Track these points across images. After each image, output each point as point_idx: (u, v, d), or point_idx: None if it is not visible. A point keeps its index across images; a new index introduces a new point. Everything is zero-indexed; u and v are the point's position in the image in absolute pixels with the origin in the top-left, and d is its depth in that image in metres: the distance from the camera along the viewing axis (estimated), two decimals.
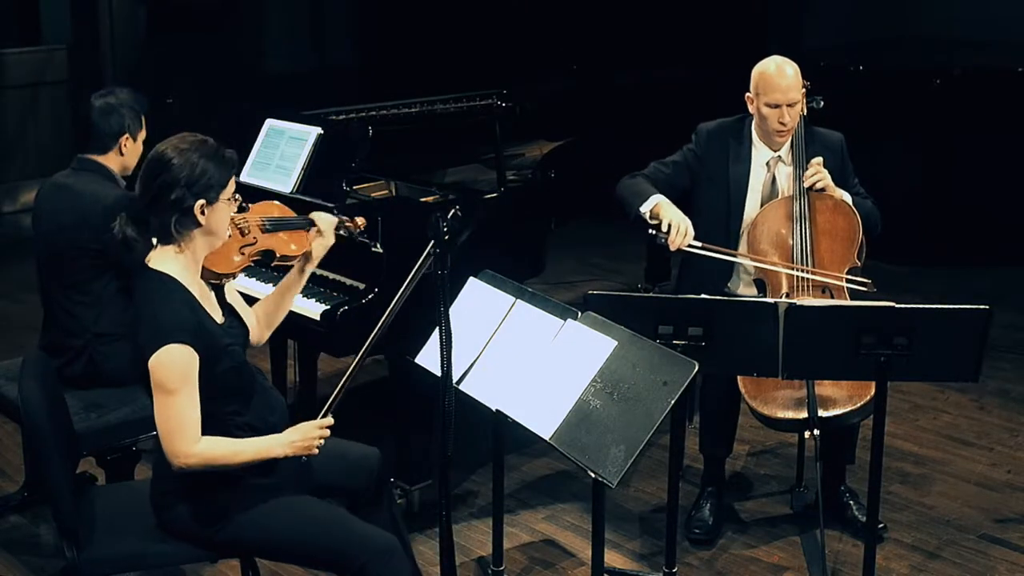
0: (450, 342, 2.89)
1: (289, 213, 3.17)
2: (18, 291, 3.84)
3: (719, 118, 4.05)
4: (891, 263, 6.23)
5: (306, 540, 2.82)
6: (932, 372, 3.41)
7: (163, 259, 2.76)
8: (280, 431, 2.87)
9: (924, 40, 7.83)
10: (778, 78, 3.77)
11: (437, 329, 2.92)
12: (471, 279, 3.46)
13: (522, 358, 3.15)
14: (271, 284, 3.85)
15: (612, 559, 3.72)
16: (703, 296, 3.31)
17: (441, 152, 4.98)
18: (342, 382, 2.90)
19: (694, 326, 3.20)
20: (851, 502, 3.94)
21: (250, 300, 3.22)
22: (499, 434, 3.40)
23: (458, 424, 2.92)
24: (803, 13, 8.47)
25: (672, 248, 3.70)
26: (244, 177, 4.39)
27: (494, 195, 4.44)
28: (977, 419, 4.88)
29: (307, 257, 3.13)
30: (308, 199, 3.92)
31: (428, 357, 3.34)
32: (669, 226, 3.69)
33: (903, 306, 3.12)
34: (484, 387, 3.19)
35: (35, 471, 4.01)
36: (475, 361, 3.26)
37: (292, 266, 3.15)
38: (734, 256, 3.80)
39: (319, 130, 4.21)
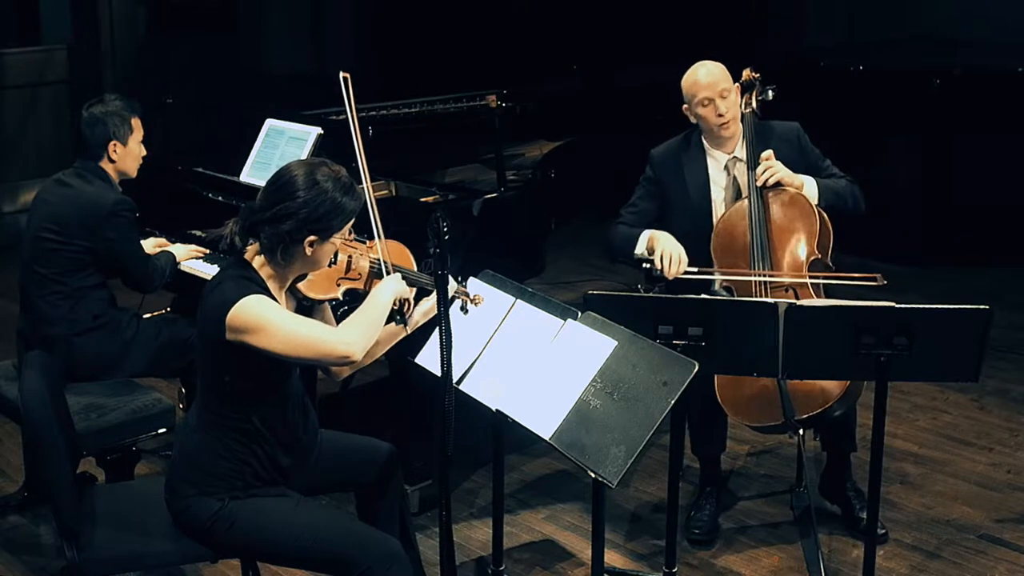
0: (450, 342, 2.89)
1: (412, 266, 3.10)
2: (18, 291, 3.86)
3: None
4: (891, 263, 6.24)
5: (310, 545, 2.81)
6: (932, 372, 3.41)
7: (260, 263, 2.80)
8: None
9: (924, 40, 7.83)
10: (700, 76, 3.85)
11: (437, 329, 2.92)
12: (471, 279, 3.45)
13: (522, 358, 3.15)
14: None
15: (612, 559, 3.72)
16: (703, 296, 3.31)
17: (441, 152, 4.98)
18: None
19: (694, 326, 3.20)
20: (855, 502, 3.93)
21: None
22: (499, 434, 3.40)
23: (458, 424, 2.91)
24: (803, 13, 8.47)
25: (669, 278, 3.70)
26: (244, 177, 4.40)
27: (494, 195, 4.44)
28: (977, 419, 4.88)
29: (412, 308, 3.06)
30: None
31: (428, 357, 3.34)
32: (661, 257, 3.71)
33: (903, 306, 3.12)
34: (484, 387, 3.19)
35: (35, 471, 4.02)
36: (475, 361, 3.26)
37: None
38: (736, 275, 3.73)
39: (319, 130, 4.21)
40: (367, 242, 3.05)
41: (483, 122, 4.69)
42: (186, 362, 3.86)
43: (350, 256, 2.97)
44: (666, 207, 3.97)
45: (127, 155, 3.86)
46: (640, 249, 3.84)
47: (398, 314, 2.89)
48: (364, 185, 3.02)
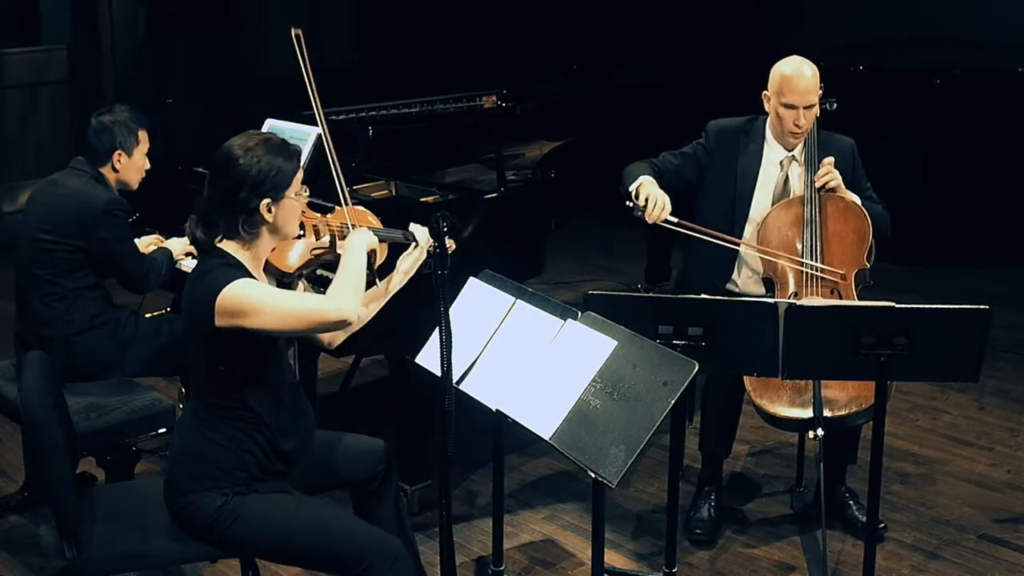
0: (450, 342, 2.89)
1: (378, 224, 3.13)
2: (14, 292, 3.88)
3: (720, 117, 4.06)
4: (892, 263, 6.23)
5: (312, 542, 2.82)
6: (932, 372, 3.41)
7: (234, 247, 2.80)
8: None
9: (924, 40, 7.83)
10: (797, 79, 3.79)
11: (437, 329, 2.92)
12: (471, 279, 3.45)
13: (522, 358, 3.15)
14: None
15: (612, 559, 3.72)
16: (703, 296, 3.31)
17: (441, 152, 4.98)
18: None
19: (694, 326, 3.20)
20: (851, 502, 3.94)
21: None
22: (499, 434, 3.40)
23: (458, 424, 2.91)
24: (803, 12, 8.47)
25: (649, 220, 3.71)
26: None
27: (494, 195, 4.44)
28: (977, 419, 4.88)
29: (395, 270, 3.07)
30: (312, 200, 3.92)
31: (428, 357, 3.34)
32: (646, 200, 3.70)
33: (903, 306, 3.12)
34: (484, 387, 3.19)
35: (35, 471, 4.01)
36: (475, 361, 3.25)
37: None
38: (713, 237, 3.75)
39: (319, 130, 4.20)
40: (335, 209, 3.11)
41: (483, 122, 4.68)
42: (186, 361, 3.86)
43: (315, 225, 3.01)
44: (705, 177, 3.98)
45: (130, 166, 3.87)
46: (632, 187, 3.81)
47: (368, 269, 2.89)
48: (325, 141, 3.16)
